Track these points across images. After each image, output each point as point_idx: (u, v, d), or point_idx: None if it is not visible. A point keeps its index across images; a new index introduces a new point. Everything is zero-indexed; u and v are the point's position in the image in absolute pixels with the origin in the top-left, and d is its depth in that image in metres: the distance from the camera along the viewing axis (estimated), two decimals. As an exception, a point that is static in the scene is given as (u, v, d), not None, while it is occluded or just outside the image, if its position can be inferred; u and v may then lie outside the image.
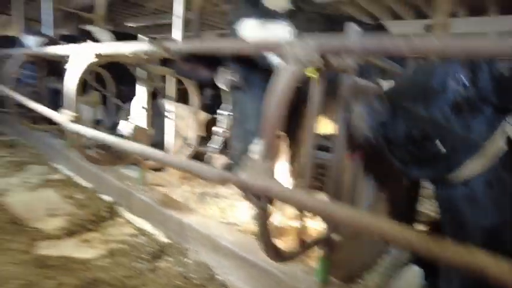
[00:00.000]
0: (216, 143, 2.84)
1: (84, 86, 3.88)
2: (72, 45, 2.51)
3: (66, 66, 2.43)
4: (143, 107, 2.62)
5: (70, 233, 2.48)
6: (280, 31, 1.66)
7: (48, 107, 2.97)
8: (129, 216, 2.81)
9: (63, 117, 2.20)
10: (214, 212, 2.91)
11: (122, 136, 2.51)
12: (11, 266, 2.04)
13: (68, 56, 2.58)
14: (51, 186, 3.40)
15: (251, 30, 1.70)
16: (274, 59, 1.58)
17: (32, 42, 4.04)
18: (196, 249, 2.23)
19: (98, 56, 2.19)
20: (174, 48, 1.77)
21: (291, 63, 1.05)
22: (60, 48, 2.85)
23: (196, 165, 1.44)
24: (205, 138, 3.61)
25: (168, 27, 11.12)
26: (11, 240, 2.28)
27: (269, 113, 1.07)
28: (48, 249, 2.24)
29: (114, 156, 2.49)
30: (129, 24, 10.85)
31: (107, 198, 3.09)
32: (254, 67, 1.65)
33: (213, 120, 3.88)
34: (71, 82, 2.21)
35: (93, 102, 4.86)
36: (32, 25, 11.75)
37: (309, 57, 1.03)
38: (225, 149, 2.60)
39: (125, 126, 2.52)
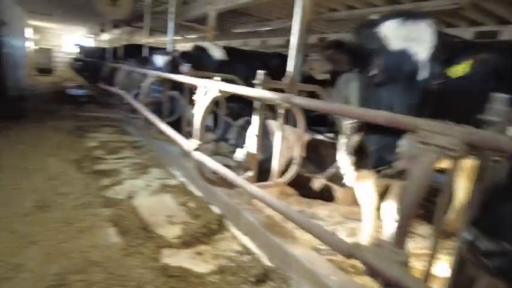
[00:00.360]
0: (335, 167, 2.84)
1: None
2: (202, 80, 2.79)
3: (195, 97, 2.73)
4: (256, 135, 2.79)
5: (186, 243, 2.79)
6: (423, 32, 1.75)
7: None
8: (235, 232, 3.04)
9: (189, 144, 2.49)
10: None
11: (238, 162, 2.73)
12: (141, 270, 2.40)
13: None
14: (168, 191, 3.85)
15: (394, 31, 1.77)
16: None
17: (160, 61, 4.62)
18: (298, 281, 2.31)
19: (222, 91, 2.41)
20: (297, 102, 1.85)
21: (430, 149, 1.02)
22: (192, 79, 3.18)
23: (320, 229, 1.48)
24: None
25: (270, 32, 11.42)
26: (142, 245, 2.67)
27: (408, 200, 1.05)
28: (170, 258, 2.57)
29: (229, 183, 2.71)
30: (236, 31, 11.54)
31: (216, 210, 3.38)
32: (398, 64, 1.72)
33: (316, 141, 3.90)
34: (198, 113, 2.47)
35: None
36: (155, 34, 13.23)
37: (452, 146, 0.98)
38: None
39: (240, 154, 2.73)
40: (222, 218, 3.20)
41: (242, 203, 3.13)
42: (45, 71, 20.11)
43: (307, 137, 3.93)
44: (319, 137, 4.15)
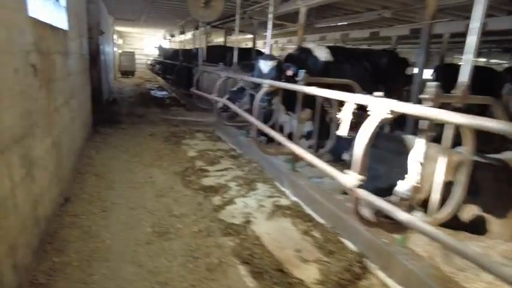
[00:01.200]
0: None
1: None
2: (353, 96, 2.26)
3: (339, 115, 2.23)
4: (420, 162, 2.20)
5: (331, 292, 2.31)
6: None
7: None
8: (385, 279, 2.48)
9: (348, 179, 1.99)
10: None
11: (399, 199, 2.16)
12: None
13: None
14: (285, 215, 3.42)
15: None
16: None
17: (265, 67, 4.22)
18: None
19: (394, 112, 1.87)
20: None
21: None
22: (336, 94, 2.56)
23: None
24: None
25: (357, 25, 10.56)
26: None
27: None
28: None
29: (394, 226, 2.17)
30: (321, 25, 10.90)
31: (350, 245, 2.86)
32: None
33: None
34: (361, 140, 1.96)
35: (304, 119, 4.86)
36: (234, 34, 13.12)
37: None
38: None
39: (403, 187, 2.17)
40: (362, 257, 2.67)
41: (390, 242, 2.56)
42: (129, 73, 21.40)
43: (459, 157, 3.21)
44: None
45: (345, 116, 2.32)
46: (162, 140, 6.03)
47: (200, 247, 2.72)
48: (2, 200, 1.88)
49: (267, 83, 3.64)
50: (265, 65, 4.30)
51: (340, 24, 11.38)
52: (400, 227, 2.22)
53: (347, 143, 3.81)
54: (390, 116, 1.94)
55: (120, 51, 21.66)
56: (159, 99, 11.67)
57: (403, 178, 2.27)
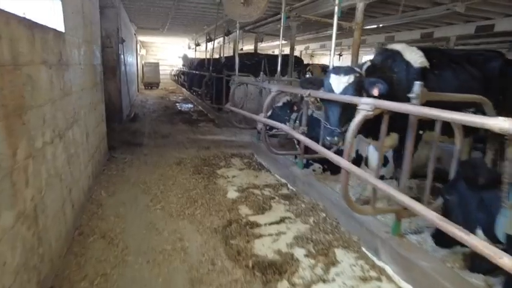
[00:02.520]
0: None
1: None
2: None
3: None
4: None
5: None
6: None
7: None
8: None
9: None
10: None
11: None
12: None
13: None
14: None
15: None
16: None
17: (338, 85, 2.88)
18: None
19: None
20: None
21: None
22: None
23: None
24: None
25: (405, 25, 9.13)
26: None
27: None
28: None
29: None
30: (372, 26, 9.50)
31: None
32: None
33: None
34: None
35: (387, 147, 3.53)
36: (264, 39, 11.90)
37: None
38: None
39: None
40: None
41: None
42: (153, 84, 20.63)
43: None
44: None
45: None
46: (191, 170, 4.77)
47: None
48: None
49: (369, 104, 2.28)
50: (339, 82, 2.95)
51: (386, 24, 9.99)
52: None
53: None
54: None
55: (143, 62, 20.95)
56: (185, 114, 10.53)
57: None
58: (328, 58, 20.88)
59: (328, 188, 3.72)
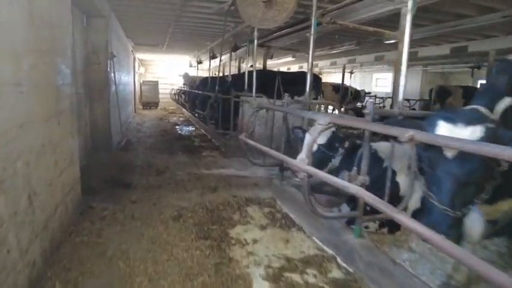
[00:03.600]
0: None
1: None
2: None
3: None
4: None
5: None
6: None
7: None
8: None
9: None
10: None
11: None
12: None
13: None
14: None
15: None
16: None
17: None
18: None
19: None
20: None
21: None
22: None
23: None
24: None
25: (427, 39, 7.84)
26: None
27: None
28: None
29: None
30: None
31: None
32: None
33: None
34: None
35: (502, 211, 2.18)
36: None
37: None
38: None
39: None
40: None
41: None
42: (152, 104, 19.45)
43: None
44: None
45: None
46: (195, 231, 3.40)
47: None
48: None
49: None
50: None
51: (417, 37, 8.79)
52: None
53: None
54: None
55: (141, 80, 19.83)
56: (186, 139, 9.20)
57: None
58: (337, 76, 19.69)
59: (415, 280, 2.33)
